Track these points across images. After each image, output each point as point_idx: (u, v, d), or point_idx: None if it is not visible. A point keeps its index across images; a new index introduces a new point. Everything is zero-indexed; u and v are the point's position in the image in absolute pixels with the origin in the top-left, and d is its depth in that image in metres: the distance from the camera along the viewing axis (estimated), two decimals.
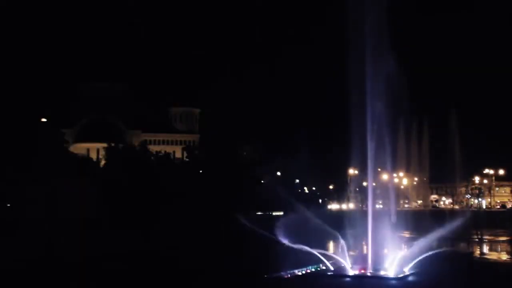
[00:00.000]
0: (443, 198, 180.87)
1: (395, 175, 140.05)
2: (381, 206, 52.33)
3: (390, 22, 41.58)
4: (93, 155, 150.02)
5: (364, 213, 43.89)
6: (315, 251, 42.87)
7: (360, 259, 42.79)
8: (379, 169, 46.43)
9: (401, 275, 40.28)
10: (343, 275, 40.90)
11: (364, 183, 73.70)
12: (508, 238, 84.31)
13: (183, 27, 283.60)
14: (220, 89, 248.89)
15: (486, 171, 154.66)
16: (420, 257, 42.28)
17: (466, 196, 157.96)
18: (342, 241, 43.98)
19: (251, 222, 49.22)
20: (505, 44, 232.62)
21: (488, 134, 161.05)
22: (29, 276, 42.24)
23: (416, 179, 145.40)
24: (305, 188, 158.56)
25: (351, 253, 44.11)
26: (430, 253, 42.62)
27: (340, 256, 42.98)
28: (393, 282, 39.14)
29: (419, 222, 60.19)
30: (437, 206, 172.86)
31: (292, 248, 41.98)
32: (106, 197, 79.08)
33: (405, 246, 44.94)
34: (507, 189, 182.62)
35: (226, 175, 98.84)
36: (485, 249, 69.40)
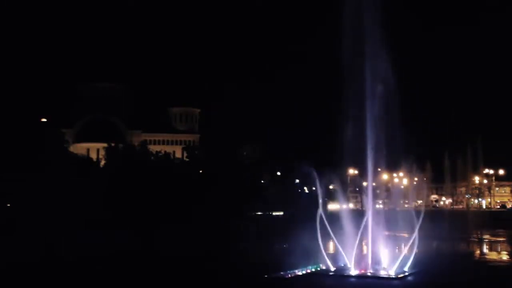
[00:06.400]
0: (443, 198, 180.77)
1: (395, 175, 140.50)
2: (381, 206, 52.36)
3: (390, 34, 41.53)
4: (93, 155, 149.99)
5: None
6: None
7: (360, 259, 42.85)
8: (379, 169, 46.40)
9: (401, 275, 40.31)
10: (343, 275, 40.92)
11: (364, 183, 73.72)
12: (508, 238, 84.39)
13: (184, 27, 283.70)
14: (221, 89, 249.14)
15: (486, 171, 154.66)
16: (420, 257, 42.31)
17: (466, 196, 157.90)
18: None
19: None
20: (503, 48, 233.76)
21: (488, 134, 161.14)
22: (29, 276, 42.25)
23: (416, 179, 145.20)
24: (305, 188, 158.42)
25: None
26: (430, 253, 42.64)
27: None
28: (394, 282, 39.15)
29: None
30: (437, 206, 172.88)
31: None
32: (107, 197, 79.05)
33: (404, 246, 44.88)
34: (507, 189, 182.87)
35: (226, 175, 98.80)
36: (485, 249, 69.41)
